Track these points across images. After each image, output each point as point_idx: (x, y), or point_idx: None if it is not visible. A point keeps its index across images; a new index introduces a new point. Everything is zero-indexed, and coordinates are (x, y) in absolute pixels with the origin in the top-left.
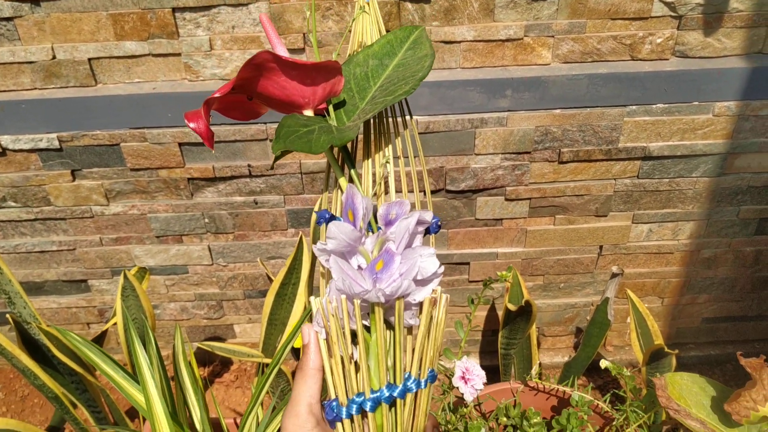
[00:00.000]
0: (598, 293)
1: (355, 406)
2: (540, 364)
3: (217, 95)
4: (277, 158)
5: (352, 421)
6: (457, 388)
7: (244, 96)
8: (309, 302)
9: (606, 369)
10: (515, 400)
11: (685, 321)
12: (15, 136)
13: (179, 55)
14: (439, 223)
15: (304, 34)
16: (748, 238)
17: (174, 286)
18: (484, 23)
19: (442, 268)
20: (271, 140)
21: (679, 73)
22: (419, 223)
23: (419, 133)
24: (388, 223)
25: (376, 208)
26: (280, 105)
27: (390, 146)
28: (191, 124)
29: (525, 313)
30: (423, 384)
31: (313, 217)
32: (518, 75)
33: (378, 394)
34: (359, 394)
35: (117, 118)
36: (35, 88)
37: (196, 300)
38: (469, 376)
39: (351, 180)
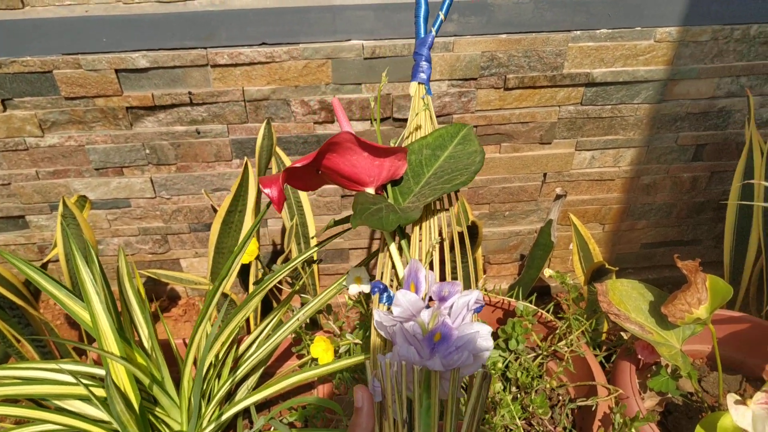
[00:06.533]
0: (542, 221)
1: None
2: (485, 279)
3: (298, 165)
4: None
5: None
6: None
7: (314, 168)
8: (366, 366)
9: (549, 295)
10: None
11: (625, 247)
12: None
13: None
14: (483, 305)
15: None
16: (686, 164)
17: (116, 220)
18: None
19: (493, 344)
20: (212, 66)
21: None
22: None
23: (365, 59)
24: (441, 299)
25: None
26: (345, 180)
27: (436, 227)
28: (266, 190)
29: (471, 235)
30: None
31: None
32: None
33: None
34: None
35: (48, 44)
36: None
37: (140, 234)
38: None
39: (401, 249)
